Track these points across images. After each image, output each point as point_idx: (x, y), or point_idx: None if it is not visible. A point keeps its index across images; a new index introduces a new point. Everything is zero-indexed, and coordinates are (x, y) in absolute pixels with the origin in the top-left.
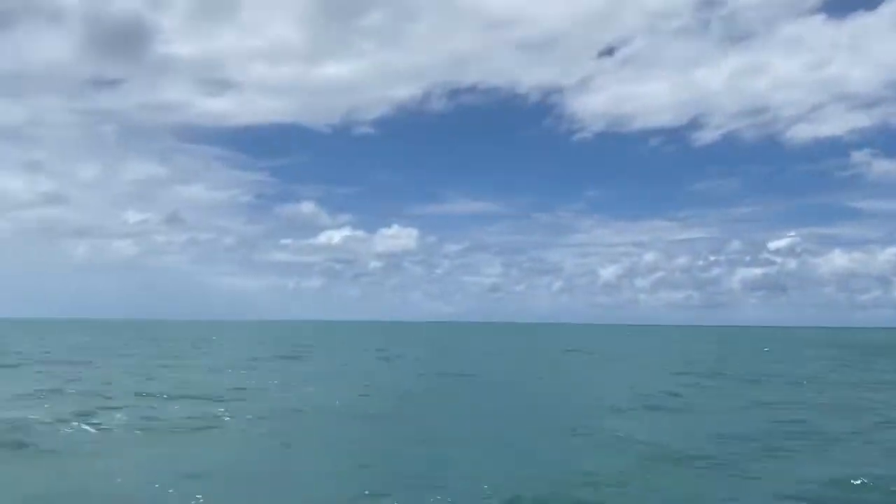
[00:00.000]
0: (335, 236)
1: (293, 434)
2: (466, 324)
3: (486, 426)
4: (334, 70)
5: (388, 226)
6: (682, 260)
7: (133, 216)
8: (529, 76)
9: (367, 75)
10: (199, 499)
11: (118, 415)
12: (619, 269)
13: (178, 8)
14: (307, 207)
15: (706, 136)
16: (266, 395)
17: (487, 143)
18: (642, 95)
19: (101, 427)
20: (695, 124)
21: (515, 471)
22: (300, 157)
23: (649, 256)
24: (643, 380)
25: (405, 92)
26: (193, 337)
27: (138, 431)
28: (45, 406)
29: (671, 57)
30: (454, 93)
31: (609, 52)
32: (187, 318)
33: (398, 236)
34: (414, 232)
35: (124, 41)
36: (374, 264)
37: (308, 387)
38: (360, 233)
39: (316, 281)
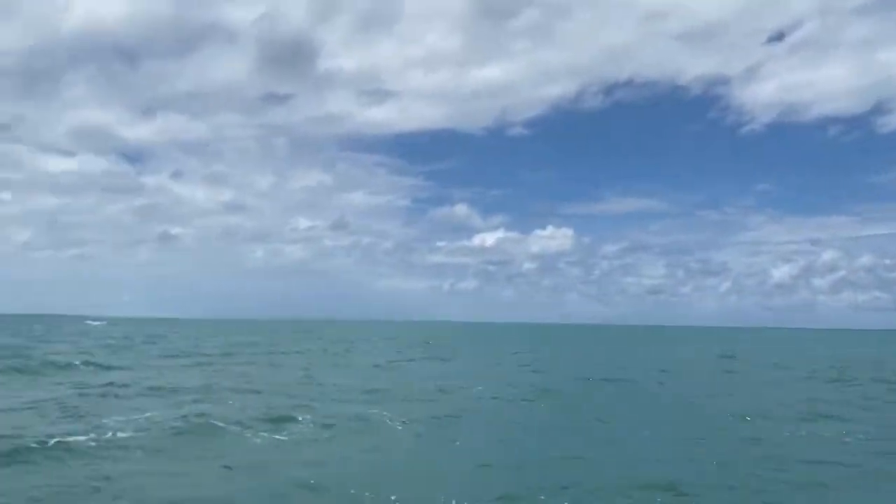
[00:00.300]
0: (489, 238)
1: (457, 433)
2: (624, 327)
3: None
4: (488, 73)
5: (543, 227)
6: (864, 259)
7: (303, 222)
8: (690, 67)
9: (521, 76)
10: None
11: (304, 415)
12: (793, 268)
13: (341, 23)
14: (461, 210)
15: (892, 122)
16: (430, 394)
17: (646, 138)
18: (818, 81)
19: (295, 423)
20: (879, 110)
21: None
22: (454, 161)
23: (827, 255)
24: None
25: (559, 90)
26: (356, 337)
27: (321, 430)
28: (230, 403)
29: (849, 38)
30: (610, 88)
31: (778, 37)
32: (351, 318)
33: (553, 237)
34: (569, 232)
35: (293, 58)
36: (529, 265)
37: (477, 385)
38: (513, 234)
39: (470, 282)
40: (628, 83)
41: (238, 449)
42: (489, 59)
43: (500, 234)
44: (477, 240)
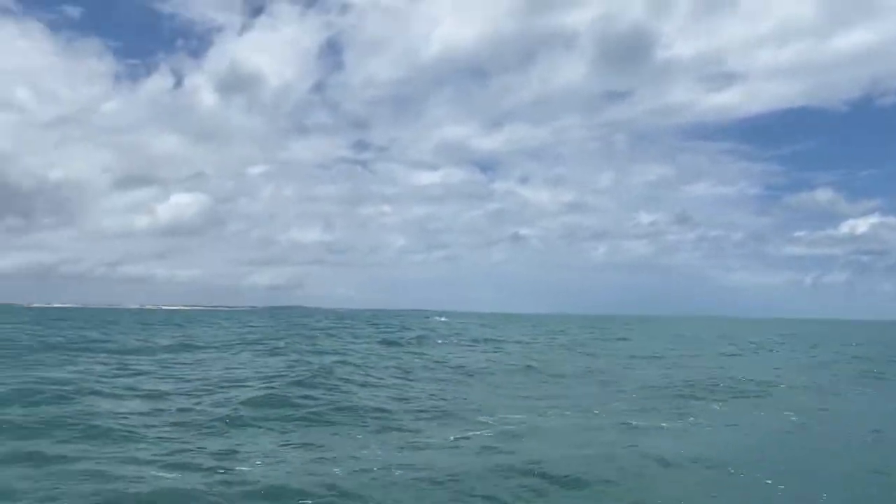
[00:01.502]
0: (860, 225)
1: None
2: None
3: None
4: (852, 39)
5: None
6: None
7: (645, 217)
8: None
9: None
10: None
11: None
12: None
13: (678, 10)
14: (823, 195)
15: None
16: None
17: None
18: None
19: None
20: None
21: None
22: (812, 142)
23: None
24: None
25: None
26: (714, 335)
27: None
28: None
29: None
30: None
31: None
32: (698, 314)
33: None
34: None
35: (630, 53)
36: None
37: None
38: (891, 219)
39: (838, 275)
40: None
41: None
42: (852, 22)
43: (874, 219)
44: (845, 227)
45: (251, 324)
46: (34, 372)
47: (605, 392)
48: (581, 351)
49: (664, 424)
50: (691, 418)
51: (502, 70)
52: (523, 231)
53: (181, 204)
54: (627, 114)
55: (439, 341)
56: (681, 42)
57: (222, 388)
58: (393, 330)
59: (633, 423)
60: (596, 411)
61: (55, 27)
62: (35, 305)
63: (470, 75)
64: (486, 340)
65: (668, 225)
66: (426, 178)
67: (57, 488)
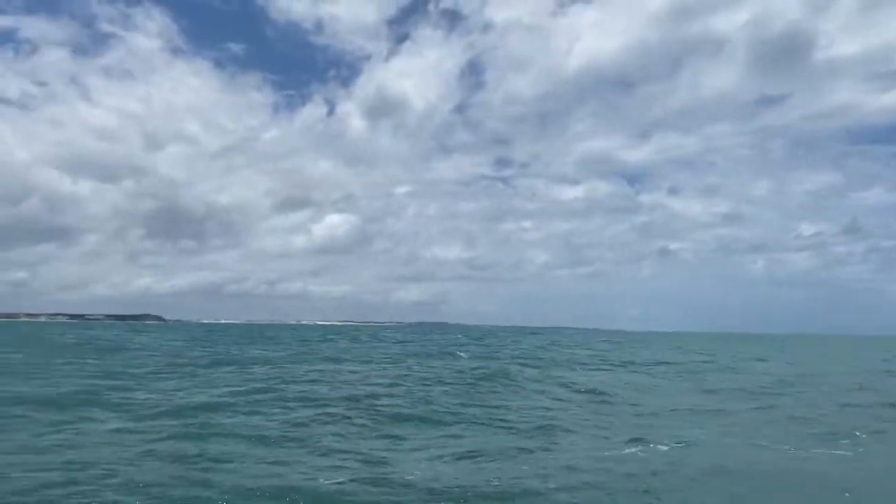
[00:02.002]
0: None
1: None
2: None
3: None
4: None
5: None
6: None
7: (807, 228)
8: None
9: None
10: None
11: None
12: None
13: (839, 7)
14: None
15: None
16: None
17: None
18: None
19: None
20: None
21: None
22: None
23: None
24: None
25: None
26: None
27: None
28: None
29: None
30: None
31: None
32: (873, 333)
33: None
34: None
35: (786, 55)
36: None
37: None
38: None
39: None
40: None
41: None
42: None
43: None
44: None
45: (408, 340)
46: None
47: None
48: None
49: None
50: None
51: (647, 79)
52: (673, 245)
53: (333, 224)
54: (784, 119)
55: (585, 362)
56: (843, 40)
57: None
58: (541, 347)
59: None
60: None
61: (220, 64)
62: (203, 321)
63: (613, 87)
64: (637, 364)
65: (835, 236)
66: (569, 192)
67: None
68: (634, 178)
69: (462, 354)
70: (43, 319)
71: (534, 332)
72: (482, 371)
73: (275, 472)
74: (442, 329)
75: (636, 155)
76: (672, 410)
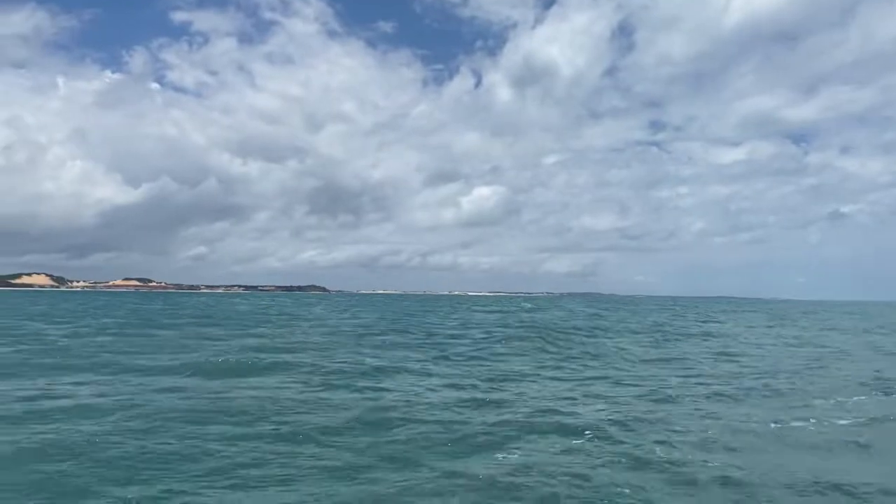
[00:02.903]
0: None
1: None
2: None
3: None
4: None
5: None
6: None
7: None
8: None
9: None
10: None
11: None
12: None
13: None
14: None
15: None
16: None
17: None
18: None
19: None
20: None
21: None
22: None
23: None
24: None
25: None
26: None
27: None
28: None
29: None
30: None
31: None
32: None
33: None
34: None
35: None
36: None
37: None
38: None
39: None
40: None
41: None
42: None
43: None
44: None
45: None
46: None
47: None
48: None
49: None
50: None
51: (813, 31)
52: (845, 208)
53: (482, 196)
54: None
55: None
56: None
57: None
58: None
59: None
60: None
61: (371, 43)
62: (362, 292)
63: (775, 41)
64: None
65: None
66: (728, 155)
67: None
68: (800, 136)
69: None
70: (221, 291)
71: (693, 302)
72: None
73: None
74: (606, 301)
75: (802, 112)
76: None
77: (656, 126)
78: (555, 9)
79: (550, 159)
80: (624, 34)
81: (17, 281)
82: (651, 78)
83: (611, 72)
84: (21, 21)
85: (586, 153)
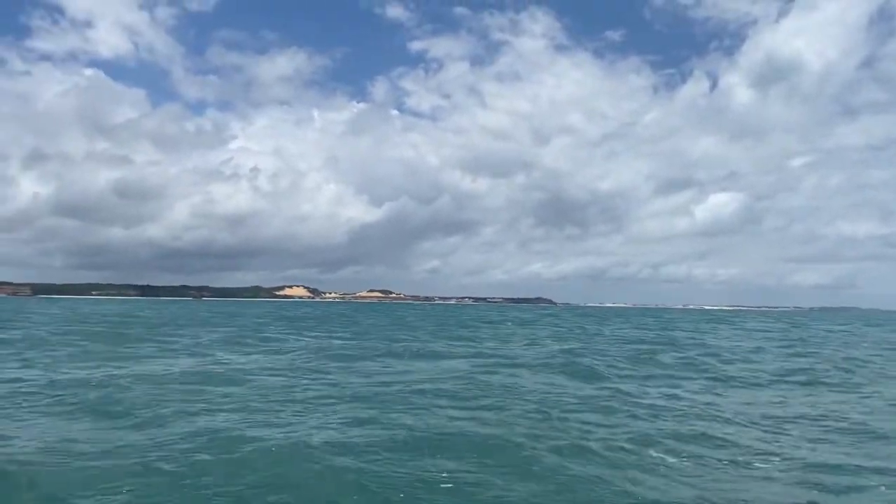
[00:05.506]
0: None
1: None
2: None
3: None
4: None
5: None
6: None
7: None
8: None
9: None
10: None
11: None
12: None
13: None
14: None
15: None
16: None
17: None
18: None
19: None
20: None
21: None
22: None
23: None
24: None
25: None
26: None
27: None
28: None
29: None
30: None
31: None
32: None
33: None
34: None
35: None
36: None
37: None
38: None
39: None
40: None
41: None
42: None
43: None
44: None
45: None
46: None
47: None
48: None
49: None
50: None
51: None
52: None
53: (718, 203)
54: None
55: None
56: None
57: None
58: None
59: None
60: None
61: (599, 53)
62: (589, 304)
63: None
64: None
65: None
66: None
67: None
68: None
69: None
70: (453, 302)
71: None
72: None
73: None
74: (859, 316)
75: None
76: None
77: None
78: (801, 0)
79: (797, 161)
80: (883, 19)
81: (281, 293)
82: None
83: (869, 62)
84: (285, 63)
85: (839, 153)
